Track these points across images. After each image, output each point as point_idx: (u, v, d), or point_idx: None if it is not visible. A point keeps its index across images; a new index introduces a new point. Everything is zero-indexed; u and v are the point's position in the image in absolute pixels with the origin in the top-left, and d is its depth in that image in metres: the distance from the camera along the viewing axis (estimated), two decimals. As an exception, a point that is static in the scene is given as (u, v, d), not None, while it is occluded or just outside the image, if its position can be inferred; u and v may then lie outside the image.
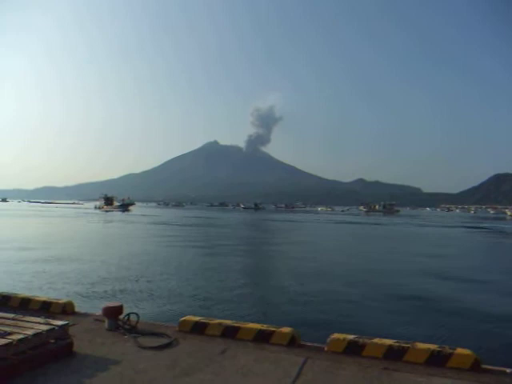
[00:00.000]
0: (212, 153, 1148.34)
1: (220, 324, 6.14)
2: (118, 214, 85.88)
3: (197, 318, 6.39)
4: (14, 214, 77.36)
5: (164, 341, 5.70)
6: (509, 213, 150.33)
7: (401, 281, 16.18)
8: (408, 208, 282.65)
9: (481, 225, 72.21)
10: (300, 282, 15.23)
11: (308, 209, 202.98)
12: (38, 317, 5.48)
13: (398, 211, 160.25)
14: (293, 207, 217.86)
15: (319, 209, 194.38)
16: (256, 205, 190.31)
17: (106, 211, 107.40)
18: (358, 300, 12.75)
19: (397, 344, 5.28)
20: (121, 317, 6.30)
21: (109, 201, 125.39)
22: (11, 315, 5.41)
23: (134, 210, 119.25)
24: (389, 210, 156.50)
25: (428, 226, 64.59)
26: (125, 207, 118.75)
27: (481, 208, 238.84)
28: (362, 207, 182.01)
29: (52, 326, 5.06)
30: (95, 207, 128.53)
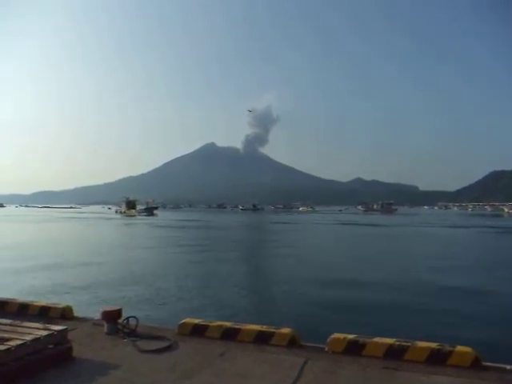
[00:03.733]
0: (209, 154, 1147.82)
1: (220, 326, 6.12)
2: (150, 219, 78.45)
3: (196, 321, 6.36)
4: (47, 219, 75.48)
5: (163, 344, 5.68)
6: (506, 209, 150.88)
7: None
8: (406, 206, 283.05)
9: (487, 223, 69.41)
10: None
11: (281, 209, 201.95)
12: (37, 322, 5.45)
13: (395, 210, 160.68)
14: (291, 207, 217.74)
15: (300, 209, 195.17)
16: (254, 206, 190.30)
17: (130, 216, 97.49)
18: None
19: (397, 343, 5.28)
20: (120, 320, 6.27)
21: (131, 204, 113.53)
22: (9, 321, 5.38)
23: (159, 214, 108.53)
24: (387, 209, 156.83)
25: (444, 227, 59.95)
26: (149, 211, 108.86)
27: (478, 205, 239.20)
28: (359, 207, 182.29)
29: (51, 331, 5.03)
30: (116, 211, 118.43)
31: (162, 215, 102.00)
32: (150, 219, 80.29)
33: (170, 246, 29.96)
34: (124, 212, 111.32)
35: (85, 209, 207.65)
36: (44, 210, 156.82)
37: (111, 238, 39.51)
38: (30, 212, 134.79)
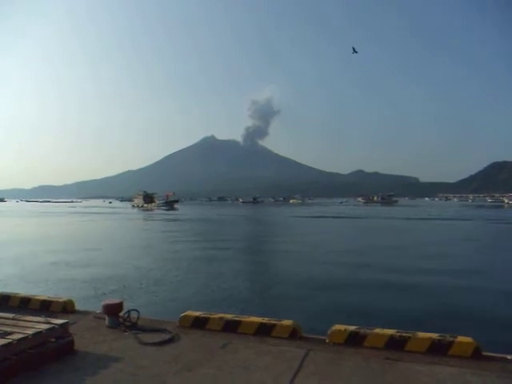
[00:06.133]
0: (209, 148, 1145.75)
1: (221, 318, 6.13)
2: (173, 214, 72.92)
3: (197, 313, 6.37)
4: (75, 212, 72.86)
5: (165, 336, 5.69)
6: (506, 200, 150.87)
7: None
8: (406, 198, 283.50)
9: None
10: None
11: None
12: (38, 316, 5.46)
13: (396, 202, 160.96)
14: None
15: (291, 201, 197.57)
16: (255, 199, 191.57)
17: (147, 210, 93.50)
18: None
19: (398, 334, 5.29)
20: (121, 314, 6.28)
21: (148, 198, 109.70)
22: (11, 315, 5.39)
23: (180, 208, 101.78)
24: (387, 201, 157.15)
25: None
26: (170, 205, 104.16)
27: (479, 196, 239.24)
28: (360, 199, 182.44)
29: (52, 325, 5.04)
30: (133, 206, 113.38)
31: (182, 209, 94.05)
32: (180, 215, 71.98)
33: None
34: (142, 206, 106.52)
35: (85, 203, 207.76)
36: (56, 205, 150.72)
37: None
38: (38, 207, 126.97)
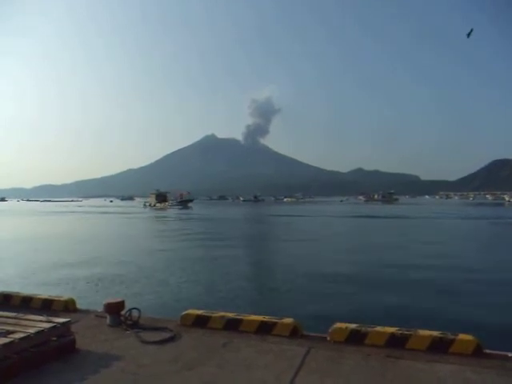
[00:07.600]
0: (210, 146, 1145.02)
1: (222, 317, 6.13)
2: (192, 214, 70.63)
3: (199, 312, 6.37)
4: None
5: (166, 335, 5.70)
6: (507, 198, 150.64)
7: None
8: (407, 196, 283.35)
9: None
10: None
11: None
12: (40, 315, 5.48)
13: (396, 200, 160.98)
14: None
15: (285, 200, 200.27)
16: (255, 197, 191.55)
17: (160, 209, 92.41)
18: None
19: (399, 332, 5.29)
20: (122, 312, 6.29)
21: (161, 197, 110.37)
22: (13, 314, 5.40)
23: (195, 207, 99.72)
24: (388, 199, 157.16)
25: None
26: (184, 204, 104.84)
27: (479, 194, 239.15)
28: (360, 197, 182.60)
29: (54, 324, 5.05)
30: (144, 205, 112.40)
31: (197, 209, 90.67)
32: (199, 214, 68.96)
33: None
34: (154, 205, 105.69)
35: (86, 202, 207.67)
36: (59, 204, 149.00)
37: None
38: (48, 207, 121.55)
